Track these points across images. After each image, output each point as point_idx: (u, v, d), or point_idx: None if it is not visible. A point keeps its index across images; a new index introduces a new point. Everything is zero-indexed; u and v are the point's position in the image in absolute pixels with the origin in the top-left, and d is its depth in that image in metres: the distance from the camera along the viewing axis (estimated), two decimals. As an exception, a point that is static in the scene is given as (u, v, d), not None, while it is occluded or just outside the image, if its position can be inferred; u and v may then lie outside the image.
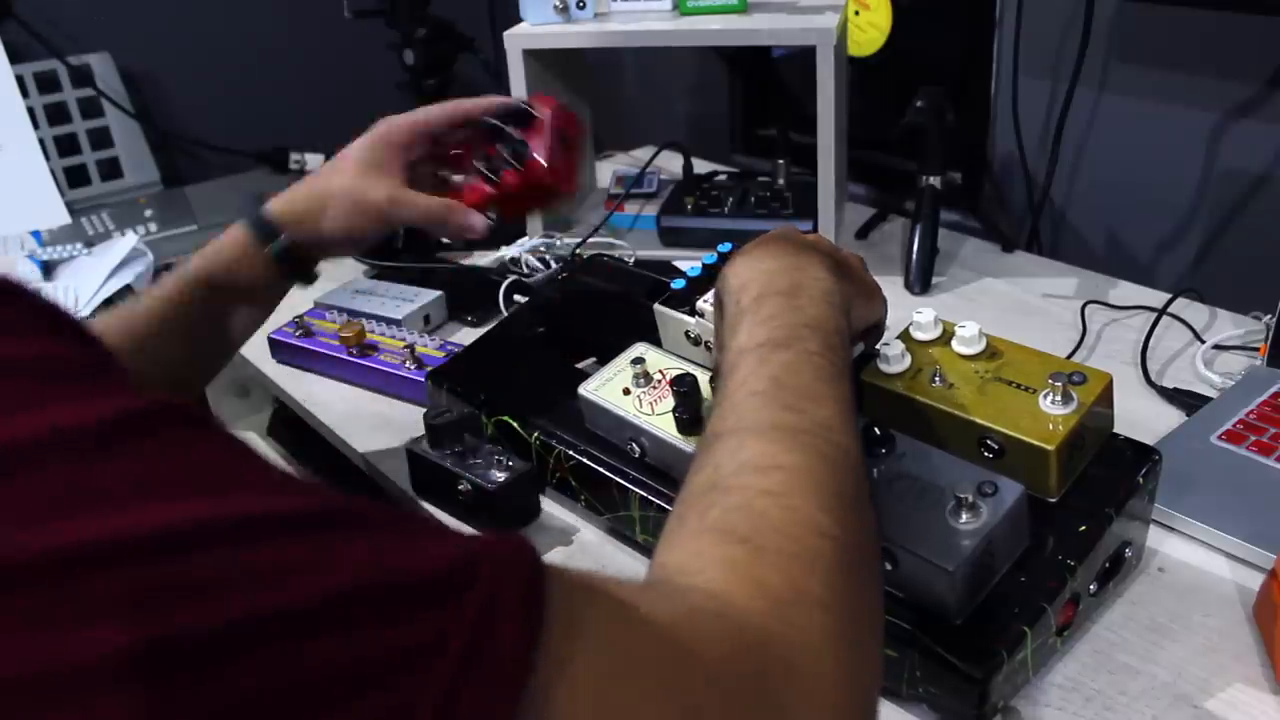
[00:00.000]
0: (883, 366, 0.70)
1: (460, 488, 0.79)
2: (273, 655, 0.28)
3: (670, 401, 0.72)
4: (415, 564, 0.32)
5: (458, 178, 0.86)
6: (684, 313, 0.81)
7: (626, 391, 0.76)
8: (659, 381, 0.75)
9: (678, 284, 0.83)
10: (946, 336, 0.72)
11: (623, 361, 0.78)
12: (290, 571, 0.30)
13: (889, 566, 0.60)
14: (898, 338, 0.72)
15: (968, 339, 0.70)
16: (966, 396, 0.67)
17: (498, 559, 0.33)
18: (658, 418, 0.72)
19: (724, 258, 0.84)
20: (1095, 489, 0.66)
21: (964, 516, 0.58)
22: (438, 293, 1.12)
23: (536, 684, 0.32)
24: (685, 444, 0.70)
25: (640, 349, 0.79)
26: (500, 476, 0.79)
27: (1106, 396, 0.68)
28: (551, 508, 0.83)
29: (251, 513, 0.31)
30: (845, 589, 0.42)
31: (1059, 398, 0.65)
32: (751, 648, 0.38)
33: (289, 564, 0.30)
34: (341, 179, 0.80)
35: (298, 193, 0.81)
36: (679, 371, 0.75)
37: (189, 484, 0.31)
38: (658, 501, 0.72)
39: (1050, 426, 0.64)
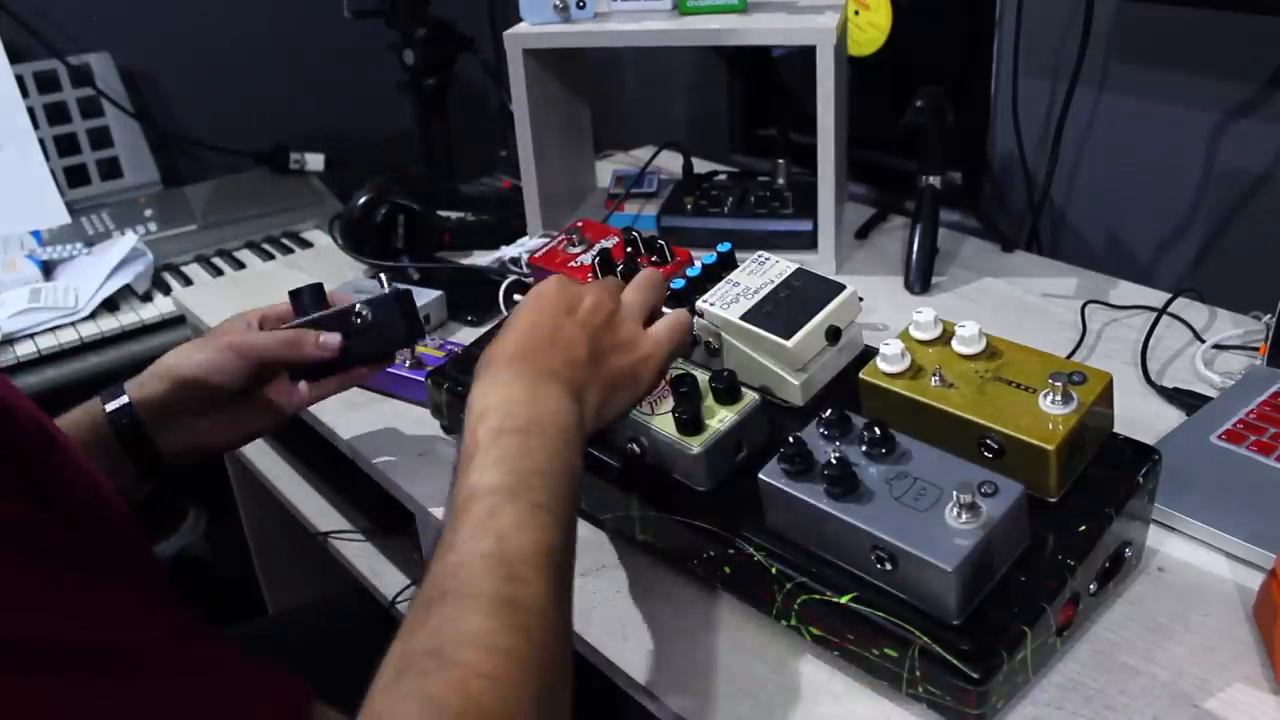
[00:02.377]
0: (883, 366, 0.70)
1: (359, 312, 0.82)
2: None
3: (670, 401, 0.72)
4: None
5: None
6: (684, 313, 0.81)
7: (626, 391, 0.76)
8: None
9: (677, 284, 0.82)
10: (946, 336, 0.72)
11: (623, 361, 0.78)
12: None
13: (889, 567, 0.60)
14: (898, 337, 0.72)
15: (968, 339, 0.70)
16: (966, 396, 0.67)
17: None
18: (658, 418, 0.72)
19: (724, 258, 0.84)
20: (1095, 489, 0.66)
21: (964, 516, 0.58)
22: (438, 293, 1.12)
23: None
24: (685, 444, 0.70)
25: (640, 349, 0.79)
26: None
27: (1106, 396, 0.68)
28: (551, 508, 0.82)
29: None
30: None
31: (1059, 397, 0.65)
32: None
33: None
34: (183, 351, 0.81)
35: (148, 373, 0.80)
36: (679, 372, 0.75)
37: None
38: (658, 501, 0.72)
39: (1050, 426, 0.64)
